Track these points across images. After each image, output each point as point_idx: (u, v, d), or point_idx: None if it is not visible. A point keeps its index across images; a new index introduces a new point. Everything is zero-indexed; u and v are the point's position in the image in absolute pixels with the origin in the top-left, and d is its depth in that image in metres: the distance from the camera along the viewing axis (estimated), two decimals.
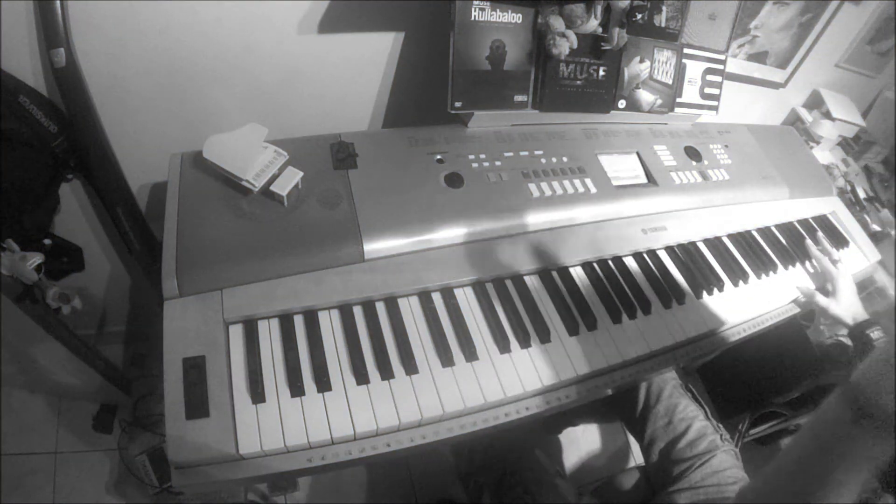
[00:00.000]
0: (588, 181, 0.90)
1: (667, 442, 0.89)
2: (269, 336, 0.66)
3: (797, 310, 0.96)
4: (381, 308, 0.71)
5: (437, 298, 0.74)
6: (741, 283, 0.92)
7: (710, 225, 0.97)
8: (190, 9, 0.78)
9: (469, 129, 0.90)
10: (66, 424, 1.23)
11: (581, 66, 0.91)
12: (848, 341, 1.32)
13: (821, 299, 0.93)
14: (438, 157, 0.84)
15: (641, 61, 0.97)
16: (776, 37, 1.32)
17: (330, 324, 0.68)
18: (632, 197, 0.92)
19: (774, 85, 1.48)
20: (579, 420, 1.39)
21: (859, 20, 1.45)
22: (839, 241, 1.11)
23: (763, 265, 0.96)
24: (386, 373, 0.65)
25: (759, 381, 1.42)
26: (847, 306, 0.92)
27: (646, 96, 1.01)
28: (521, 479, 0.83)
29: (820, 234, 1.06)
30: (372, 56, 0.96)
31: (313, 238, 0.71)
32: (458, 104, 0.84)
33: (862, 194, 1.55)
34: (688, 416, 0.91)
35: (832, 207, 1.19)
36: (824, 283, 0.97)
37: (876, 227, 1.48)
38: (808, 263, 1.03)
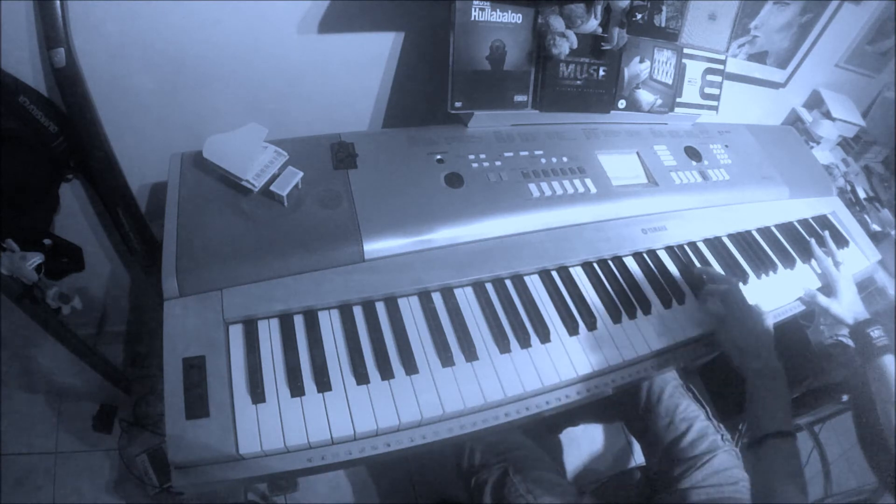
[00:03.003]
0: (588, 181, 0.90)
1: (668, 442, 0.89)
2: (269, 336, 0.66)
3: (797, 310, 0.96)
4: (381, 308, 0.71)
5: (437, 298, 0.74)
6: (741, 283, 0.92)
7: (710, 225, 0.97)
8: (190, 9, 0.78)
9: (469, 129, 0.90)
10: (66, 424, 1.23)
11: (581, 66, 0.91)
12: (848, 341, 1.32)
13: (822, 300, 0.93)
14: (438, 157, 0.84)
15: (641, 61, 0.97)
16: (776, 37, 1.32)
17: (330, 324, 0.68)
18: (632, 197, 0.92)
19: (774, 85, 1.48)
20: (579, 420, 1.39)
21: (859, 20, 1.45)
22: (839, 241, 1.11)
23: (763, 265, 0.96)
24: (386, 373, 0.65)
25: None
26: (848, 306, 0.92)
27: (646, 96, 1.01)
28: (521, 478, 0.83)
29: (827, 234, 1.06)
30: (372, 56, 0.96)
31: (313, 238, 0.71)
32: (458, 104, 0.84)
33: (862, 194, 1.55)
34: (689, 416, 0.91)
35: (832, 207, 1.19)
36: (826, 284, 0.98)
37: (876, 227, 1.48)
38: (808, 263, 1.03)
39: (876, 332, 0.86)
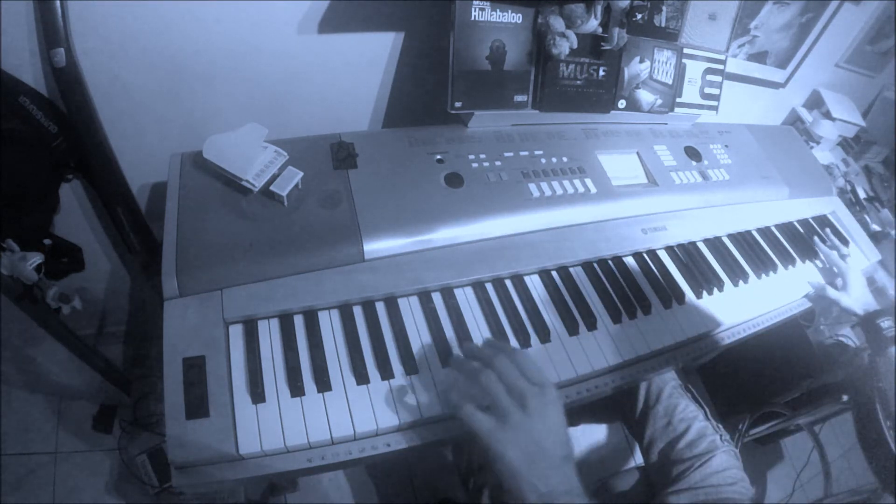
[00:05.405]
0: (588, 181, 0.90)
1: (666, 442, 0.89)
2: (269, 336, 0.66)
3: (797, 310, 0.96)
4: (381, 308, 0.71)
5: (437, 298, 0.74)
6: (741, 282, 0.92)
7: (710, 225, 0.97)
8: (190, 9, 0.78)
9: (469, 129, 0.90)
10: (66, 424, 1.23)
11: (581, 66, 0.91)
12: (848, 341, 1.33)
13: (831, 292, 0.94)
14: (438, 157, 0.84)
15: (641, 61, 0.97)
16: (776, 37, 1.32)
17: (330, 324, 0.68)
18: (632, 197, 0.92)
19: (774, 85, 1.48)
20: (579, 420, 1.39)
21: (859, 20, 1.45)
22: (839, 240, 1.11)
23: (763, 265, 0.96)
24: (386, 373, 0.65)
25: (759, 381, 1.42)
26: (857, 298, 0.93)
27: (646, 96, 1.01)
28: None
29: (828, 230, 1.06)
30: (372, 56, 0.96)
31: (313, 238, 0.71)
32: (458, 104, 0.84)
33: (862, 194, 1.55)
34: (687, 416, 0.91)
35: (832, 207, 1.19)
36: (832, 279, 0.98)
37: (876, 227, 1.48)
38: (809, 262, 1.03)
39: (886, 323, 0.86)
